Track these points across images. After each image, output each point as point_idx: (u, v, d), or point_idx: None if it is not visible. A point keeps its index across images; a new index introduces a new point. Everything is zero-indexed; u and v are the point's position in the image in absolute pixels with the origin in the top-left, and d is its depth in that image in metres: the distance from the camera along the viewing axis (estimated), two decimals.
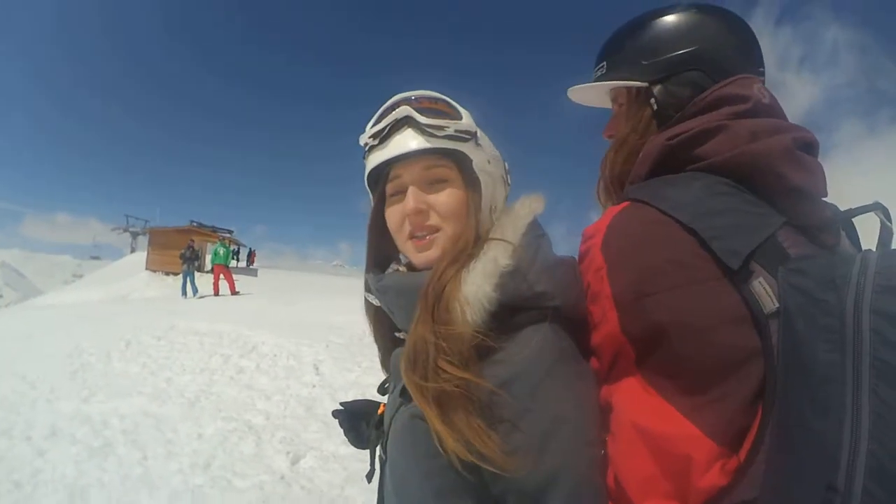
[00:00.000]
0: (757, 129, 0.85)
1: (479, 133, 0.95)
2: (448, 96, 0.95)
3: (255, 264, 33.12)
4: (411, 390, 0.82)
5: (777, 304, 0.72)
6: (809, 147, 0.88)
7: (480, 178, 0.93)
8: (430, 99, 0.94)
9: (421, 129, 0.90)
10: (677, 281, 0.76)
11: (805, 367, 0.66)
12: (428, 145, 0.90)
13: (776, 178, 0.81)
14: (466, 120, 0.93)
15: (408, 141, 0.91)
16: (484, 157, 0.95)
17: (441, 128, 0.90)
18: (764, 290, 0.73)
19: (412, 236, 0.93)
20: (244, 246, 34.57)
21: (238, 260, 31.84)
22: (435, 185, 0.92)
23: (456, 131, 0.91)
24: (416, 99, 0.93)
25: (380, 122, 0.94)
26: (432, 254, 0.92)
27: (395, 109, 0.92)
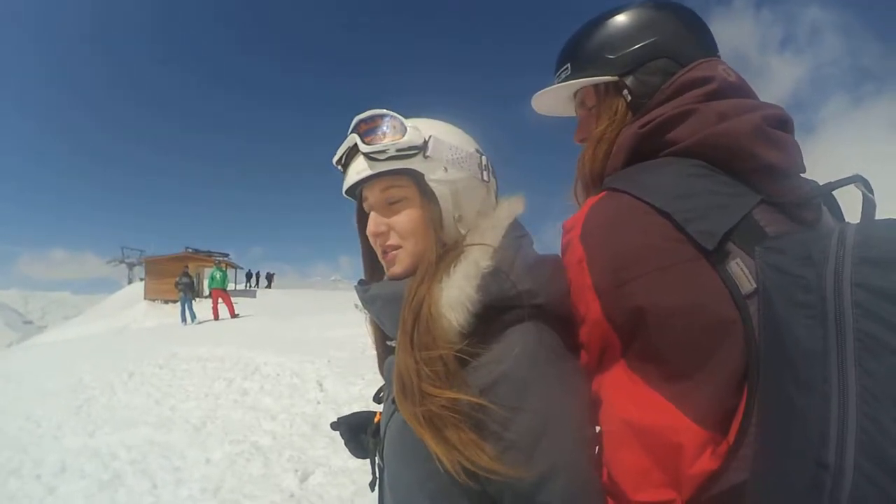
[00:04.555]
0: (726, 110, 0.85)
1: (434, 139, 0.93)
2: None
3: (254, 286, 34.48)
4: (405, 417, 0.83)
5: (755, 284, 0.72)
6: (782, 124, 0.87)
7: (435, 190, 0.92)
8: (374, 118, 0.94)
9: (365, 155, 0.92)
10: (654, 265, 0.77)
11: (786, 345, 0.65)
12: (370, 172, 0.92)
13: (748, 157, 0.81)
14: (409, 135, 0.91)
15: (357, 168, 0.94)
16: (437, 166, 0.92)
17: (382, 151, 0.90)
18: (741, 270, 0.74)
19: (382, 253, 0.98)
20: (241, 268, 35.04)
21: (260, 283, 34.36)
22: (394, 204, 0.94)
23: (398, 150, 0.90)
24: (362, 121, 0.94)
25: (338, 150, 0.97)
26: (396, 269, 0.96)
27: (348, 137, 0.95)
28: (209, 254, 30.48)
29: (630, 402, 0.77)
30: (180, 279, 17.91)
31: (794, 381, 0.64)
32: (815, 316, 0.63)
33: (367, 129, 0.93)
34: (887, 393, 0.56)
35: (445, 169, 0.93)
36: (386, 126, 0.92)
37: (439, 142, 0.94)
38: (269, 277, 41.04)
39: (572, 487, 0.77)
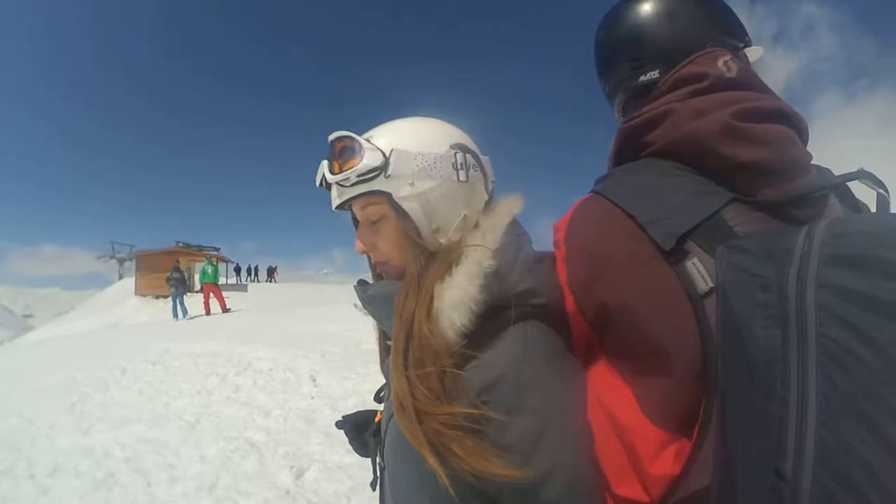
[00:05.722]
0: (703, 107, 0.84)
1: (395, 154, 0.90)
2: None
3: (252, 280, 34.93)
4: (405, 436, 0.82)
5: (710, 284, 0.72)
6: (769, 116, 0.83)
7: (404, 206, 0.91)
8: (339, 141, 0.93)
9: (335, 184, 0.94)
10: (617, 265, 0.79)
11: (744, 346, 0.62)
12: (339, 201, 0.95)
13: (716, 157, 0.81)
14: (367, 158, 0.89)
15: (333, 194, 0.96)
16: (401, 182, 0.90)
17: (346, 179, 0.91)
18: (696, 269, 0.73)
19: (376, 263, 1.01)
20: (231, 262, 35.10)
21: (260, 277, 35.35)
22: (376, 222, 0.96)
23: (359, 176, 0.90)
24: (332, 144, 0.94)
25: (316, 175, 0.99)
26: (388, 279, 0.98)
27: (322, 162, 0.96)
28: (200, 248, 30.39)
29: (609, 394, 0.79)
30: (171, 274, 17.89)
31: (751, 383, 0.61)
32: (774, 316, 0.60)
33: (335, 155, 0.93)
34: (848, 402, 0.53)
35: (412, 183, 0.91)
36: (347, 151, 0.92)
37: (402, 154, 0.91)
38: (270, 272, 41.65)
39: (572, 485, 0.78)
